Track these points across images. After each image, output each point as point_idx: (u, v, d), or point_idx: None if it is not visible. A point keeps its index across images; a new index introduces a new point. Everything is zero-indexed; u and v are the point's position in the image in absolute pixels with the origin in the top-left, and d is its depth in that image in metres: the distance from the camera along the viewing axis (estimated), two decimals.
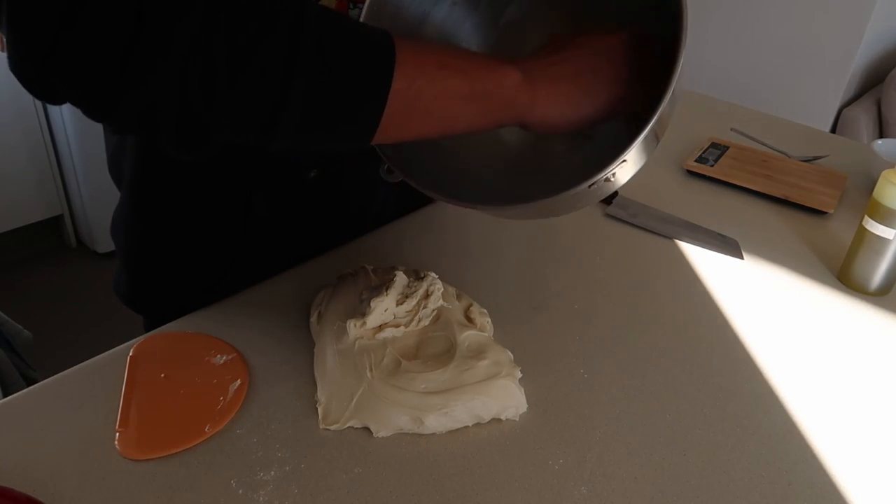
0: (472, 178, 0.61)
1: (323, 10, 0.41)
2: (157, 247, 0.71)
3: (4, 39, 0.38)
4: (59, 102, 0.40)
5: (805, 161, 1.03)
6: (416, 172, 0.54)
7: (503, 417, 0.55)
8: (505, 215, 0.56)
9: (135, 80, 0.37)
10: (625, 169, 0.48)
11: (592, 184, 0.47)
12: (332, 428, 0.53)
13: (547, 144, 0.63)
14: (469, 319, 0.62)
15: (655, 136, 0.49)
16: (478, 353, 0.57)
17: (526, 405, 0.56)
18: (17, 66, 0.38)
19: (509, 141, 0.64)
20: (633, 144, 0.45)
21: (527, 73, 0.48)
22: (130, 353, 0.59)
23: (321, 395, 0.55)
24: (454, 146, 0.60)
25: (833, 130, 2.13)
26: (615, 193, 0.89)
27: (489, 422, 0.55)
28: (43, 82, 0.39)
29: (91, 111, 0.40)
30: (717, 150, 1.03)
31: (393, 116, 0.42)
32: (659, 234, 0.83)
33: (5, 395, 0.62)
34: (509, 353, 0.59)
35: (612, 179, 0.48)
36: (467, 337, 0.59)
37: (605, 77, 0.51)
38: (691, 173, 0.98)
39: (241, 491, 0.48)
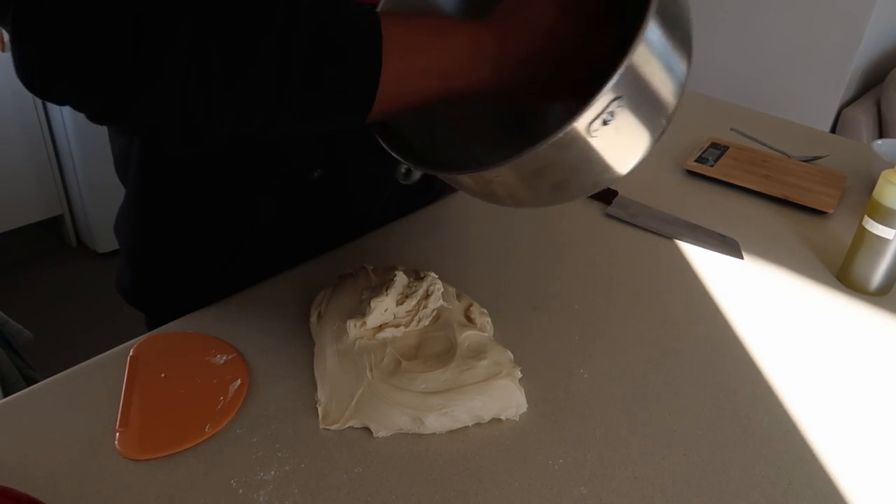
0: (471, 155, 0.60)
1: (314, 3, 0.43)
2: (160, 244, 0.71)
3: (7, 40, 0.39)
4: (63, 104, 0.42)
5: (805, 161, 1.03)
6: (423, 161, 0.53)
7: (503, 417, 0.55)
8: (518, 195, 0.53)
9: (137, 88, 0.39)
10: (624, 124, 0.46)
11: (592, 122, 0.44)
12: (332, 428, 0.53)
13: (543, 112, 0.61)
14: (469, 319, 0.62)
15: (656, 100, 0.48)
16: (478, 353, 0.57)
17: (526, 405, 0.56)
18: (21, 71, 0.39)
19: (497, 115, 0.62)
20: (617, 72, 0.43)
21: (497, 57, 0.49)
22: (130, 353, 0.59)
23: (321, 395, 0.55)
24: (452, 132, 0.60)
25: (833, 130, 2.13)
26: (615, 193, 0.89)
27: (489, 422, 0.55)
28: (48, 87, 0.40)
29: (96, 117, 0.42)
30: (717, 150, 1.03)
31: (378, 106, 0.46)
32: (659, 234, 0.83)
33: (5, 395, 0.62)
34: (509, 353, 0.59)
35: (611, 120, 0.45)
36: (467, 337, 0.59)
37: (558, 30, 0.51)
38: (691, 173, 0.98)
39: (241, 491, 0.48)
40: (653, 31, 0.45)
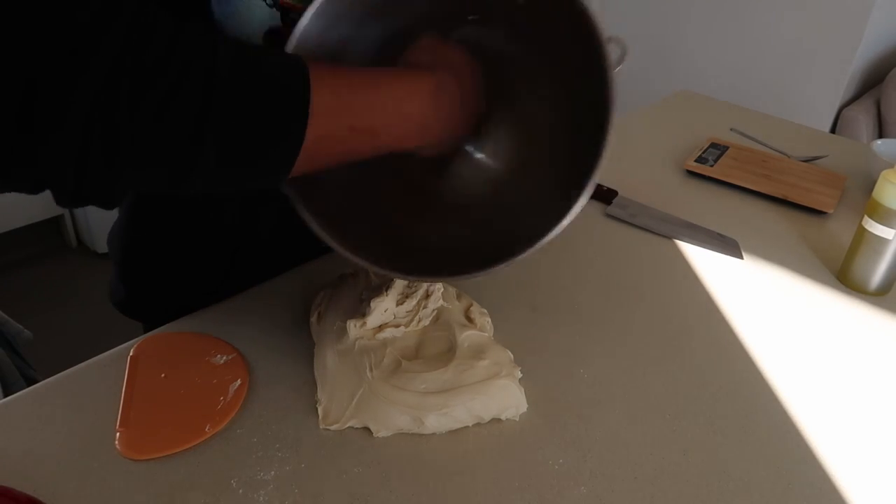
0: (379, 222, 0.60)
1: (236, 56, 0.39)
2: (154, 262, 0.71)
3: None
4: None
5: (805, 161, 1.03)
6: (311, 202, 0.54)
7: (503, 417, 0.55)
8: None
9: (29, 149, 0.35)
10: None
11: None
12: (333, 428, 0.53)
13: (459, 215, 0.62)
14: (469, 319, 0.62)
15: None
16: (478, 353, 0.57)
17: (526, 405, 0.56)
18: None
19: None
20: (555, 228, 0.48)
21: (428, 117, 0.50)
22: (130, 353, 0.59)
23: (321, 395, 0.55)
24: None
25: (833, 130, 2.13)
26: (615, 193, 0.89)
27: (489, 422, 0.55)
28: None
29: None
30: (717, 150, 1.03)
31: (299, 168, 0.43)
32: (659, 234, 0.83)
33: (5, 395, 0.62)
34: (509, 353, 0.59)
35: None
36: (467, 337, 0.59)
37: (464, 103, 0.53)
38: (691, 173, 0.98)
39: (241, 491, 0.48)
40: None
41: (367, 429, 0.53)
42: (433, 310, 0.60)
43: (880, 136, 2.11)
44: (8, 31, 0.33)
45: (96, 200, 0.40)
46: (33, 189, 0.38)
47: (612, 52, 0.48)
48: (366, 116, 0.45)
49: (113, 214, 0.74)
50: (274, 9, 0.53)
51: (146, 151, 0.37)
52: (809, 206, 0.90)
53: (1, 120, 0.34)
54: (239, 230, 0.68)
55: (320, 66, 0.43)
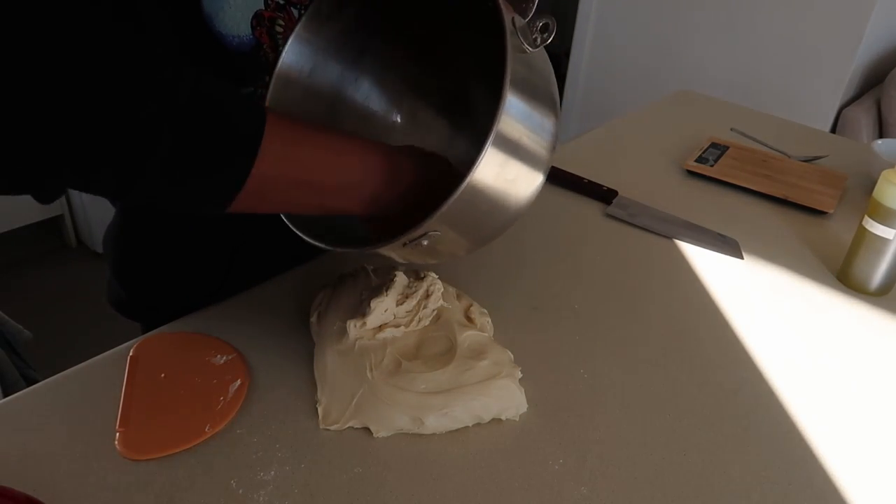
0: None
1: (199, 85, 0.40)
2: (151, 263, 0.71)
3: None
4: None
5: (805, 161, 1.03)
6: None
7: (503, 417, 0.55)
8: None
9: None
10: (444, 236, 0.48)
11: (405, 243, 0.48)
12: (332, 428, 0.53)
13: None
14: (469, 319, 0.62)
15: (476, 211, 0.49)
16: (478, 353, 0.57)
17: (526, 405, 0.56)
18: None
19: None
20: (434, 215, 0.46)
21: (378, 189, 0.51)
22: (130, 353, 0.59)
23: (321, 395, 0.55)
24: None
25: (833, 130, 2.13)
26: (615, 193, 0.89)
27: (489, 422, 0.55)
28: None
29: None
30: (717, 150, 1.03)
31: (242, 200, 0.43)
32: (659, 234, 0.83)
33: (5, 395, 0.62)
34: (509, 353, 0.59)
35: (426, 244, 0.48)
36: (467, 337, 0.59)
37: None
38: (691, 173, 0.98)
39: (241, 491, 0.48)
40: (483, 171, 0.46)
41: (367, 429, 0.53)
42: (433, 310, 0.60)
43: (880, 136, 2.11)
44: None
45: (32, 193, 0.40)
46: None
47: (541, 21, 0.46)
48: (313, 173, 0.47)
49: (112, 212, 0.74)
50: None
51: (91, 156, 0.37)
52: (809, 206, 0.90)
53: None
54: (237, 230, 0.68)
55: (280, 119, 0.44)
